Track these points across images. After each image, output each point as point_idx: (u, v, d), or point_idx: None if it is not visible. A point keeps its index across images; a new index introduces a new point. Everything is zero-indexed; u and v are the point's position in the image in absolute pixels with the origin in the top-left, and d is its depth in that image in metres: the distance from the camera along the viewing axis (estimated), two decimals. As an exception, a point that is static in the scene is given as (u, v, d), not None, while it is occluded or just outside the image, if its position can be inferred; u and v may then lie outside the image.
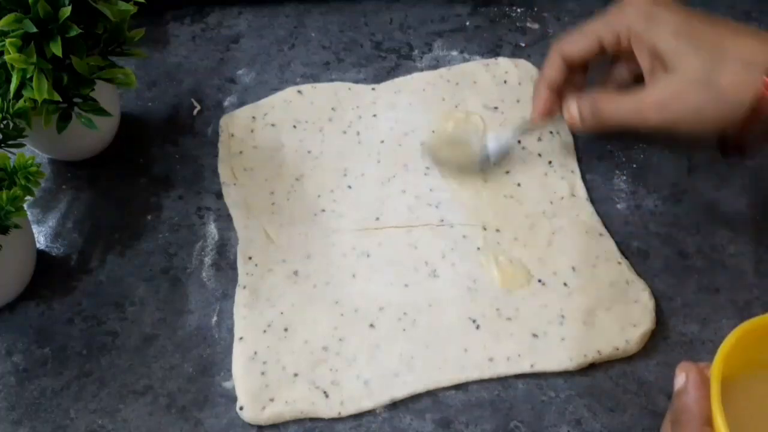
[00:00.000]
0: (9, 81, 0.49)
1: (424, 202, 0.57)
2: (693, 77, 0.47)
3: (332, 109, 0.62)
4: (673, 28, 0.49)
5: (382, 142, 0.60)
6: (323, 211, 0.57)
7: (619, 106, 0.51)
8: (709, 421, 0.38)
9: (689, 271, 0.54)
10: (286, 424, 0.49)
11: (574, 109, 0.53)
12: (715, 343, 0.51)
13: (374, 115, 0.62)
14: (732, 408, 0.38)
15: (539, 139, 0.60)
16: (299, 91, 0.63)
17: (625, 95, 0.51)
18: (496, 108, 0.61)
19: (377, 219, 0.56)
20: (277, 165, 0.59)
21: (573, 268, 0.53)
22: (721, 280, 0.54)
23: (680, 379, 0.41)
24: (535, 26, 0.68)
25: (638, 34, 0.50)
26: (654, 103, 0.49)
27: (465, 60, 0.66)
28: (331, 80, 0.65)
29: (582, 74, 0.56)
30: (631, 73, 0.55)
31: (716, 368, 0.38)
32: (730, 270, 0.54)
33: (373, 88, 0.63)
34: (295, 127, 0.61)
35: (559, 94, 0.55)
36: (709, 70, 0.47)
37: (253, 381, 0.49)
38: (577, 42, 0.54)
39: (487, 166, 0.58)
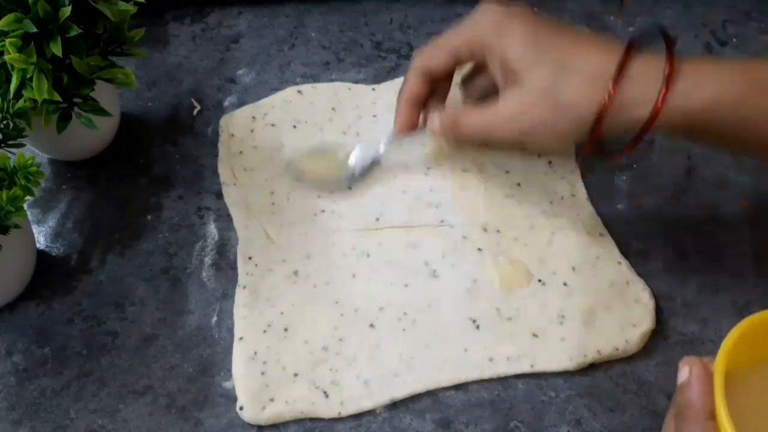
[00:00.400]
0: (9, 81, 0.49)
1: (425, 202, 0.57)
2: (539, 90, 0.46)
3: (332, 109, 0.62)
4: (521, 39, 0.47)
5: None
6: (323, 211, 0.57)
7: (475, 120, 0.50)
8: (712, 416, 0.38)
9: (689, 271, 0.54)
10: (286, 424, 0.49)
11: (436, 122, 0.53)
12: (715, 343, 0.51)
13: (374, 116, 0.62)
14: (734, 403, 0.38)
15: None
16: (299, 91, 0.63)
17: (481, 109, 0.50)
18: None
19: (377, 219, 0.56)
20: (277, 165, 0.59)
21: (573, 268, 0.53)
22: (721, 280, 0.54)
23: (684, 373, 0.41)
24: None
25: (490, 45, 0.49)
26: (504, 116, 0.48)
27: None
28: (331, 80, 0.65)
29: (447, 83, 0.55)
30: (492, 86, 0.52)
31: (720, 362, 0.38)
32: (730, 270, 0.54)
33: (373, 89, 0.63)
34: (295, 127, 0.61)
35: (423, 106, 0.54)
36: (553, 83, 0.46)
37: (253, 381, 0.49)
38: (435, 56, 0.52)
39: (353, 179, 0.57)
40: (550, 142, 0.49)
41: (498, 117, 0.49)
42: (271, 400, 0.49)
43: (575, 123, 0.46)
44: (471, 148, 0.57)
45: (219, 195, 0.58)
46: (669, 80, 0.44)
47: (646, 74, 0.44)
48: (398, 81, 0.64)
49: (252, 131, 0.61)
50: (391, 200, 0.57)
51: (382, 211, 0.56)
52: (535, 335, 0.51)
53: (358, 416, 0.49)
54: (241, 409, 0.48)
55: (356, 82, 0.64)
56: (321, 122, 0.61)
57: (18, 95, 0.49)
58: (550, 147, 0.50)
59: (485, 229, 0.55)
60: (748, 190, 0.58)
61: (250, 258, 0.54)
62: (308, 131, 0.61)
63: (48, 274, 0.55)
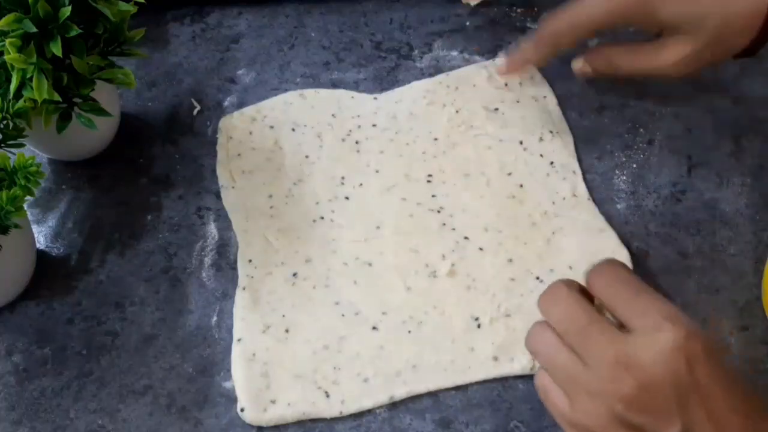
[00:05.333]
0: (9, 81, 0.49)
1: (426, 207, 0.57)
2: (707, 37, 0.53)
3: (332, 115, 0.62)
4: None
5: (382, 152, 0.60)
6: (322, 218, 0.56)
7: (633, 61, 0.57)
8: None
9: (689, 271, 0.54)
10: (286, 424, 0.49)
11: (580, 64, 0.59)
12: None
13: (374, 125, 0.61)
14: None
15: (540, 140, 0.60)
16: (301, 95, 0.63)
17: (638, 53, 0.57)
18: (496, 109, 0.61)
19: (378, 228, 0.56)
20: (276, 168, 0.59)
21: (570, 267, 0.53)
22: (721, 280, 0.54)
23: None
24: (535, 26, 0.68)
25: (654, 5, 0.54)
26: (674, 62, 0.55)
27: (465, 60, 0.66)
28: (331, 80, 0.65)
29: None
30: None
31: None
32: (730, 270, 0.54)
33: (375, 98, 0.63)
34: (293, 130, 0.61)
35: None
36: (720, 27, 0.52)
37: (254, 382, 0.49)
38: (567, 36, 0.57)
39: None
40: (724, 58, 0.56)
41: (666, 62, 0.55)
42: (273, 401, 0.49)
43: (740, 46, 0.53)
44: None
45: (219, 195, 0.58)
46: None
47: None
48: (398, 91, 0.63)
49: (251, 133, 0.61)
50: (391, 209, 0.57)
51: (382, 220, 0.56)
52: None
53: (357, 416, 0.49)
54: (242, 410, 0.48)
55: (356, 82, 0.64)
56: (320, 127, 0.61)
57: (18, 95, 0.49)
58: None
59: (486, 229, 0.55)
60: (748, 190, 0.58)
61: (249, 261, 0.54)
62: (307, 135, 0.61)
63: (48, 274, 0.55)
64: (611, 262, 0.43)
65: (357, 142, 0.60)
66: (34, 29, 0.48)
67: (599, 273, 0.42)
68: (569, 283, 0.42)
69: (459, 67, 0.65)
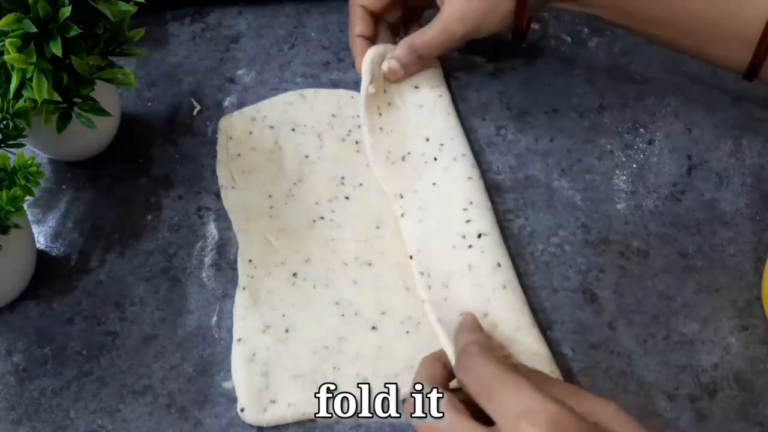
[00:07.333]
0: (9, 81, 0.49)
1: None
2: None
3: (332, 115, 0.62)
4: None
5: None
6: (322, 218, 0.56)
7: (430, 35, 0.58)
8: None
9: (689, 271, 0.54)
10: (286, 424, 0.49)
11: (392, 62, 0.59)
12: (715, 343, 0.51)
13: None
14: None
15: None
16: (301, 95, 0.63)
17: (430, 25, 0.58)
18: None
19: (377, 228, 0.56)
20: (276, 168, 0.59)
21: None
22: (721, 280, 0.54)
23: None
24: (535, 26, 0.68)
25: None
26: (455, 18, 0.57)
27: (464, 60, 0.66)
28: (331, 80, 0.65)
29: (393, 11, 0.63)
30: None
31: None
32: (730, 270, 0.54)
33: None
34: (293, 130, 0.61)
35: (374, 42, 0.62)
36: None
37: (254, 382, 0.49)
38: None
39: None
40: (494, 29, 0.58)
41: (450, 21, 0.57)
42: (273, 401, 0.49)
43: (506, 9, 0.56)
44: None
45: (219, 195, 0.58)
46: None
47: None
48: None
49: (251, 133, 0.61)
50: (390, 209, 0.57)
51: (382, 220, 0.56)
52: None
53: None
54: (242, 410, 0.48)
55: (356, 82, 0.64)
56: (320, 127, 0.61)
57: (18, 95, 0.49)
58: (496, 28, 0.58)
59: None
60: (748, 190, 0.58)
61: (249, 260, 0.54)
62: (307, 135, 0.61)
63: (48, 274, 0.55)
64: (466, 351, 0.41)
65: (357, 142, 0.60)
66: (34, 29, 0.48)
67: (459, 366, 0.41)
68: (428, 381, 0.40)
69: (459, 67, 0.65)
